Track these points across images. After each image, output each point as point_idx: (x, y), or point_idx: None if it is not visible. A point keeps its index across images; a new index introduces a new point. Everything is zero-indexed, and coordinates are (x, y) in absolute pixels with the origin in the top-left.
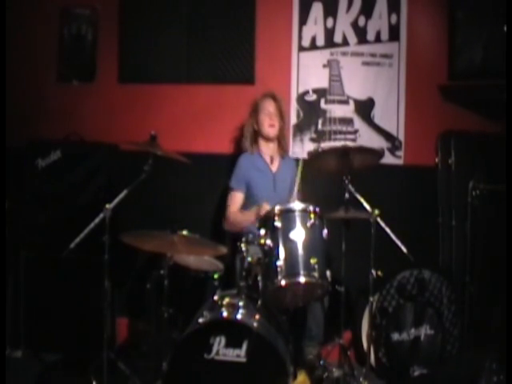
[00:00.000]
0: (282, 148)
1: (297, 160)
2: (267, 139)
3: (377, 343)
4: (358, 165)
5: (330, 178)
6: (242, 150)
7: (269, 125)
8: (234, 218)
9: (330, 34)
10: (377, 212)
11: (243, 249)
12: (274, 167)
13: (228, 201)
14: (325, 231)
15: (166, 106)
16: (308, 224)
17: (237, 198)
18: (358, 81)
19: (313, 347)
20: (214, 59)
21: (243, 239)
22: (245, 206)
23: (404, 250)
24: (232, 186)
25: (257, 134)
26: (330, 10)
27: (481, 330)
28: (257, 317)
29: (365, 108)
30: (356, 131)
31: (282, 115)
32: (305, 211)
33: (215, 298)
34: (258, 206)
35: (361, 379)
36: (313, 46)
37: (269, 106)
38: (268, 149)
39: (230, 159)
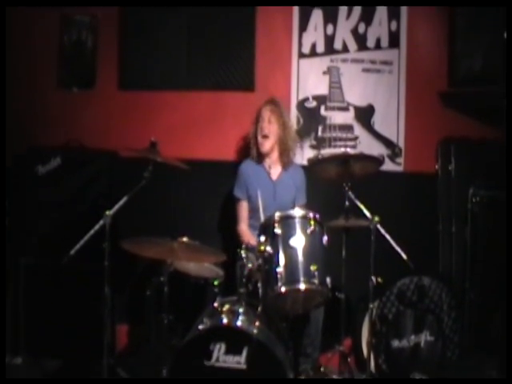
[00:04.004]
0: (283, 159)
1: (303, 167)
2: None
3: (377, 350)
4: (358, 172)
5: (330, 184)
6: (244, 157)
7: (262, 136)
8: (241, 236)
9: (330, 40)
10: (377, 219)
11: (243, 255)
12: (275, 175)
13: (236, 212)
14: (325, 238)
15: (166, 112)
16: (308, 231)
17: (243, 210)
18: (358, 87)
19: (308, 357)
20: (214, 66)
21: (243, 246)
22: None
23: (404, 256)
24: (236, 195)
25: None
26: (330, 16)
27: (481, 337)
28: (257, 324)
29: (365, 115)
30: (356, 138)
31: (283, 122)
32: (305, 218)
33: (215, 304)
34: None
35: None
36: (313, 53)
37: (265, 113)
38: (268, 158)
39: (231, 166)
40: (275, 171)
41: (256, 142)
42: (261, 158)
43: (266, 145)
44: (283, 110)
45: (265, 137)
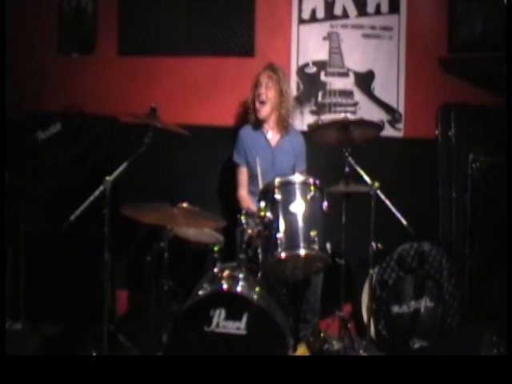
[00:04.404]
0: (281, 125)
1: (303, 133)
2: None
3: (377, 316)
4: (358, 137)
5: (330, 150)
6: (243, 123)
7: (259, 101)
8: (241, 202)
9: (329, 6)
10: (377, 184)
11: (243, 221)
12: (274, 142)
13: (236, 178)
14: (325, 203)
15: (166, 78)
16: (308, 196)
17: (243, 175)
18: (357, 53)
19: (308, 323)
20: (214, 31)
21: (243, 212)
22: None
23: (404, 222)
24: (235, 161)
25: None
26: None
27: (481, 303)
28: (257, 289)
29: (365, 80)
30: (356, 104)
31: (281, 88)
32: (305, 183)
33: (215, 270)
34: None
35: (361, 351)
36: (313, 19)
37: (263, 78)
38: (266, 124)
39: (231, 131)
40: (274, 137)
41: (254, 108)
42: (259, 123)
43: (263, 111)
44: (282, 76)
45: (262, 103)
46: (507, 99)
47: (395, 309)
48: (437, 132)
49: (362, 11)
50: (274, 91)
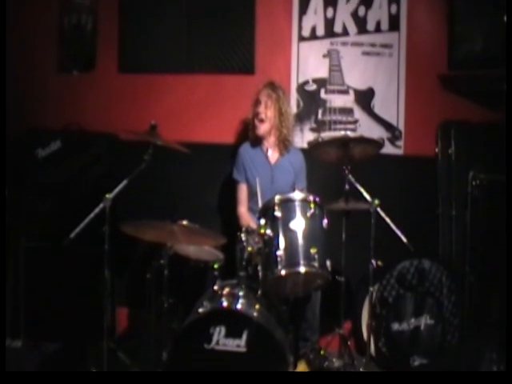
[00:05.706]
0: (280, 144)
1: (303, 150)
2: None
3: (377, 333)
4: (358, 155)
5: (330, 167)
6: (243, 140)
7: (258, 120)
8: (240, 219)
9: (330, 23)
10: (377, 202)
11: (243, 238)
12: (273, 159)
13: (236, 195)
14: (325, 221)
15: (166, 95)
16: (308, 214)
17: (242, 192)
18: (357, 71)
19: (307, 341)
20: (214, 49)
21: (243, 229)
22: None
23: (404, 239)
24: (235, 178)
25: None
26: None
27: (481, 320)
28: (257, 307)
29: (365, 98)
30: (356, 121)
31: (279, 107)
32: (305, 201)
33: (215, 287)
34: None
35: (361, 369)
36: (313, 36)
37: (262, 97)
38: (266, 141)
39: (230, 149)
40: (273, 155)
41: (253, 125)
42: (259, 141)
43: (262, 129)
44: (281, 95)
45: (261, 121)
46: (507, 116)
47: (395, 326)
48: (437, 149)
49: (362, 29)
50: (274, 110)
